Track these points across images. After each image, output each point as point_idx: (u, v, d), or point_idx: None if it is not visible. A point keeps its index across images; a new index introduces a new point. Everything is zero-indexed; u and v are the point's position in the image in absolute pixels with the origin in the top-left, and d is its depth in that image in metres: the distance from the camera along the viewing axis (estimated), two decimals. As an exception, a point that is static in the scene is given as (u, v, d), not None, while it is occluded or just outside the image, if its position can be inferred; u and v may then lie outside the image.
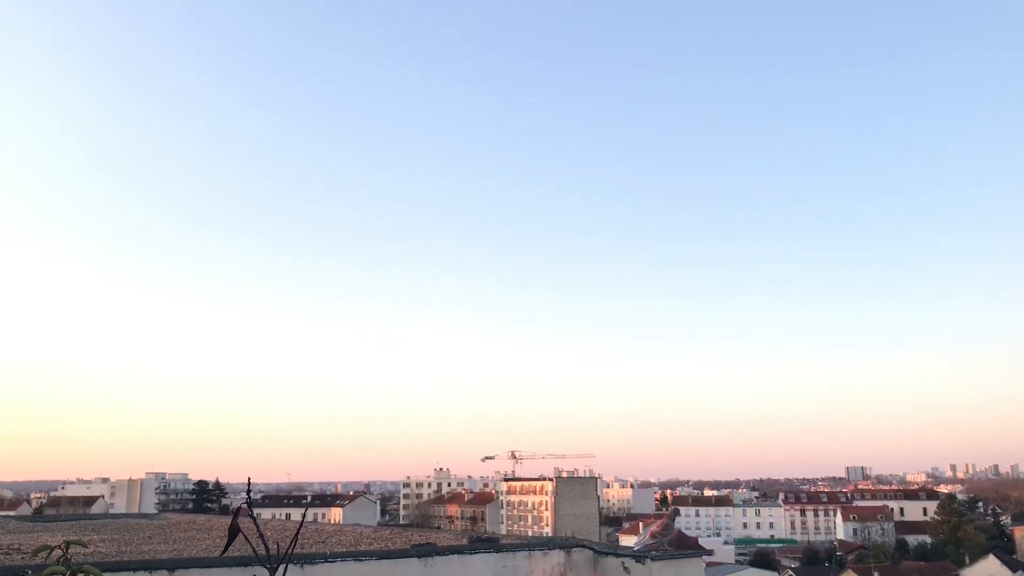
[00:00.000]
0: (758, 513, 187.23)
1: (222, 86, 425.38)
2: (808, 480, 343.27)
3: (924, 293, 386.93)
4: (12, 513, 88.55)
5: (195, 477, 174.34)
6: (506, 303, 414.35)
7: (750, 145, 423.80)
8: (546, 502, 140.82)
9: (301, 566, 7.20)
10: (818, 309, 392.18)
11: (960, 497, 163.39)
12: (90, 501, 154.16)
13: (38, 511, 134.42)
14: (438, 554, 8.29)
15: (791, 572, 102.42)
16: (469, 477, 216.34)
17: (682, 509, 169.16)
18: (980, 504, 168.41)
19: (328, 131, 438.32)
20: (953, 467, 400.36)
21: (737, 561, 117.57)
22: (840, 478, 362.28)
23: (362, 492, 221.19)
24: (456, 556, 8.43)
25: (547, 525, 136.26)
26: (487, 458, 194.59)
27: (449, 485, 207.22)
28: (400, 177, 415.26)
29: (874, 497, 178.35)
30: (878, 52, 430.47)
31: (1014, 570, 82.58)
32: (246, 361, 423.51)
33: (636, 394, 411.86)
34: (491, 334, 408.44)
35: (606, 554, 9.14)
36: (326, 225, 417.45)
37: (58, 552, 3.10)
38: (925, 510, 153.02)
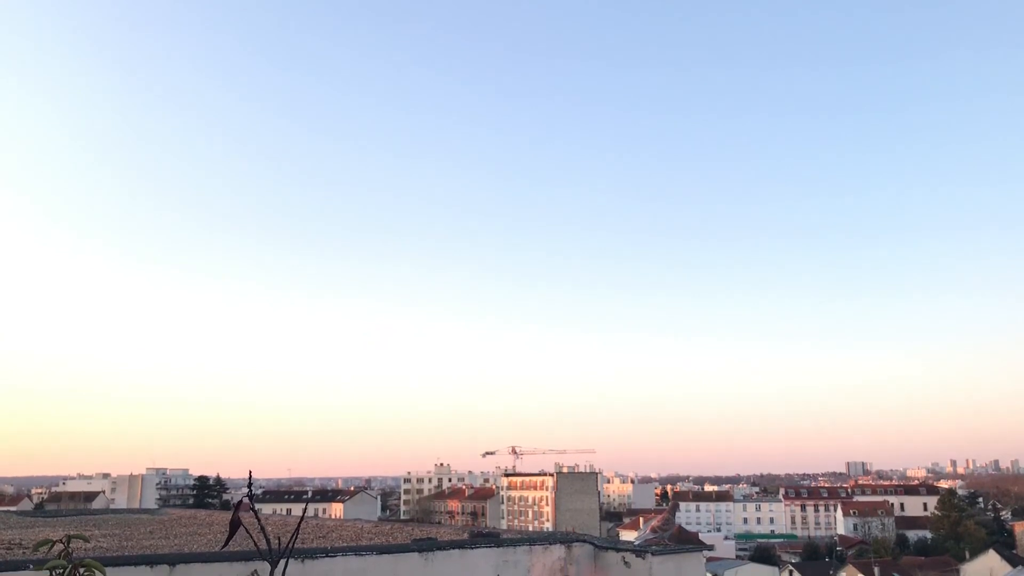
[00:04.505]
0: (758, 508, 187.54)
1: (224, 83, 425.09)
2: (808, 475, 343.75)
3: (924, 289, 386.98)
4: (13, 508, 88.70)
5: (196, 472, 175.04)
6: (506, 299, 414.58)
7: (750, 143, 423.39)
8: (547, 497, 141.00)
9: (302, 561, 7.21)
10: (819, 305, 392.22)
11: (960, 492, 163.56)
12: (91, 496, 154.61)
13: (39, 506, 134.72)
14: (439, 549, 8.30)
15: (791, 567, 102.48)
16: (470, 472, 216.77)
17: (682, 504, 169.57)
18: (980, 499, 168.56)
19: (330, 129, 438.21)
20: (953, 462, 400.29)
21: (737, 556, 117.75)
22: (840, 473, 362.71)
23: (363, 487, 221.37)
24: (457, 550, 8.45)
25: (548, 520, 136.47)
26: (488, 453, 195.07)
27: (450, 480, 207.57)
28: (402, 175, 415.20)
29: (874, 492, 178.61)
30: (874, 50, 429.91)
31: (1014, 565, 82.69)
32: (247, 357, 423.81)
33: (636, 389, 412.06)
34: (492, 330, 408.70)
35: (607, 549, 9.16)
36: (326, 221, 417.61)
37: (59, 546, 3.11)
38: (925, 505, 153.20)
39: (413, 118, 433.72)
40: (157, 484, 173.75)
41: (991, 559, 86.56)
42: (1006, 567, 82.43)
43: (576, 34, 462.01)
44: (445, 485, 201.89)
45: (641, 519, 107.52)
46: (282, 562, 3.38)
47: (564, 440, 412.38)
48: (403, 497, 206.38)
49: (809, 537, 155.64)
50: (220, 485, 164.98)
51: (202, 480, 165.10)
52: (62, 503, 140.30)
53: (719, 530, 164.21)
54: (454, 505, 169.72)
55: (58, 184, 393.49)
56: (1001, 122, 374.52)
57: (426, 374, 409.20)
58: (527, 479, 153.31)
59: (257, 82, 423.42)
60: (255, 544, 3.32)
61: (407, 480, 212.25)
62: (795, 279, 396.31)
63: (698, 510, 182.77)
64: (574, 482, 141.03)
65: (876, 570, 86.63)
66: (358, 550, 8.00)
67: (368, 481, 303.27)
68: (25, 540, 11.57)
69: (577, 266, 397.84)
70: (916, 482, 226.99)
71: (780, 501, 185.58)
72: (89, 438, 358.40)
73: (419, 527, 13.66)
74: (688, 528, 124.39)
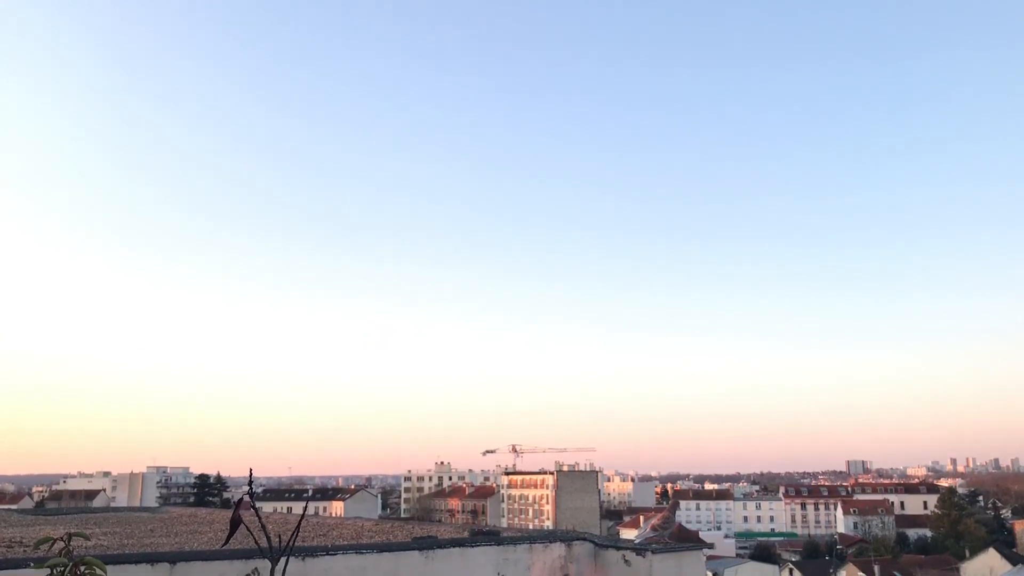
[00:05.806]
0: (759, 507, 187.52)
1: (224, 82, 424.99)
2: (808, 474, 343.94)
3: (924, 289, 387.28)
4: (14, 507, 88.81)
5: (196, 471, 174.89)
6: (506, 299, 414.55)
7: (750, 143, 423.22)
8: (547, 496, 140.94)
9: (302, 558, 7.21)
10: (819, 304, 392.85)
11: (960, 491, 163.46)
12: (92, 494, 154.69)
13: (40, 504, 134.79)
14: (439, 547, 8.30)
15: (792, 566, 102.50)
16: (470, 471, 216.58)
17: (683, 503, 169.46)
18: (980, 498, 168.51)
19: (331, 128, 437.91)
20: (953, 461, 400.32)
21: (737, 554, 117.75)
22: (841, 472, 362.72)
23: (363, 486, 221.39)
24: (457, 549, 8.44)
25: (548, 519, 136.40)
26: (488, 452, 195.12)
27: (450, 479, 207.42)
28: (402, 175, 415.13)
29: (874, 491, 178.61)
30: (874, 50, 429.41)
31: (1014, 563, 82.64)
32: (248, 355, 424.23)
33: (637, 388, 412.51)
34: (492, 329, 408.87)
35: (607, 547, 9.15)
36: (327, 220, 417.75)
37: (60, 544, 3.11)
38: (925, 504, 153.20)
39: (414, 117, 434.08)
40: (158, 482, 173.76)
41: (991, 557, 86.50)
42: (1006, 565, 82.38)
43: (578, 34, 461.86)
44: (445, 483, 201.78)
45: (641, 517, 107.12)
46: (283, 560, 3.39)
47: (564, 438, 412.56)
48: (403, 495, 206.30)
49: (809, 535, 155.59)
50: (221, 483, 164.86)
51: (203, 478, 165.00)
52: (63, 501, 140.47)
53: (719, 528, 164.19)
54: (454, 503, 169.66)
55: (58, 184, 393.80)
56: (1001, 122, 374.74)
57: (426, 374, 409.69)
58: (527, 477, 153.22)
59: (257, 81, 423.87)
60: (256, 542, 3.32)
61: (407, 478, 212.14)
62: (795, 279, 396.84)
63: (698, 508, 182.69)
64: (574, 480, 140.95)
65: (876, 569, 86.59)
66: (359, 548, 7.99)
67: (368, 479, 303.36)
68: (26, 538, 11.57)
69: (577, 266, 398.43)
70: (916, 480, 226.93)
71: (780, 499, 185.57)
72: (90, 436, 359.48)
73: (419, 525, 13.66)
74: (688, 526, 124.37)
